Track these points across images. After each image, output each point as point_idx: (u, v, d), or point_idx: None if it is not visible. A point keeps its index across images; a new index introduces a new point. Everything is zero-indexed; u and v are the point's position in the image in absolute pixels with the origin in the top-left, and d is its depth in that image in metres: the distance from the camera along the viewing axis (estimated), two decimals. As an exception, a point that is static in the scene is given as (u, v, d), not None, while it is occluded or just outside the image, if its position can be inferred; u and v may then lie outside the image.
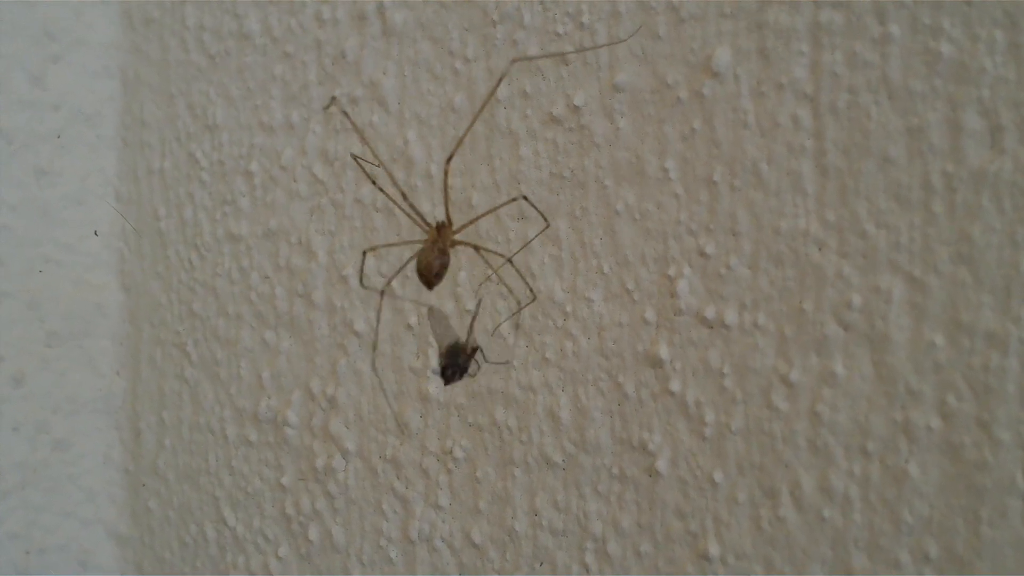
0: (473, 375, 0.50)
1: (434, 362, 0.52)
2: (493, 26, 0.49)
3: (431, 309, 0.52)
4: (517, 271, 0.49)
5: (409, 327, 0.53)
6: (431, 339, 0.52)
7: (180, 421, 0.62)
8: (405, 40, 0.52)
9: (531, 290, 0.49)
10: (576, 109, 0.47)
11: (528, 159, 0.49)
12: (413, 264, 0.49)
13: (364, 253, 0.53)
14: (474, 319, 0.50)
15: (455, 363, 0.50)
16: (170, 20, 0.62)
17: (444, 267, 0.47)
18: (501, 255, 0.49)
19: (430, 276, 0.47)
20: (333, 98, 0.54)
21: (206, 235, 0.61)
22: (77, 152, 0.64)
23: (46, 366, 0.63)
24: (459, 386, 0.51)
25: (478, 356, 0.50)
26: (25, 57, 0.61)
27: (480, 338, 0.50)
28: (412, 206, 0.50)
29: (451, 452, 0.52)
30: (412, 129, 0.52)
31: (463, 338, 0.51)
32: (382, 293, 0.53)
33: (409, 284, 0.53)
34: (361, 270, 0.54)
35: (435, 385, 0.52)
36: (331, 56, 0.55)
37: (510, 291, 0.49)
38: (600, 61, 0.47)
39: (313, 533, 0.57)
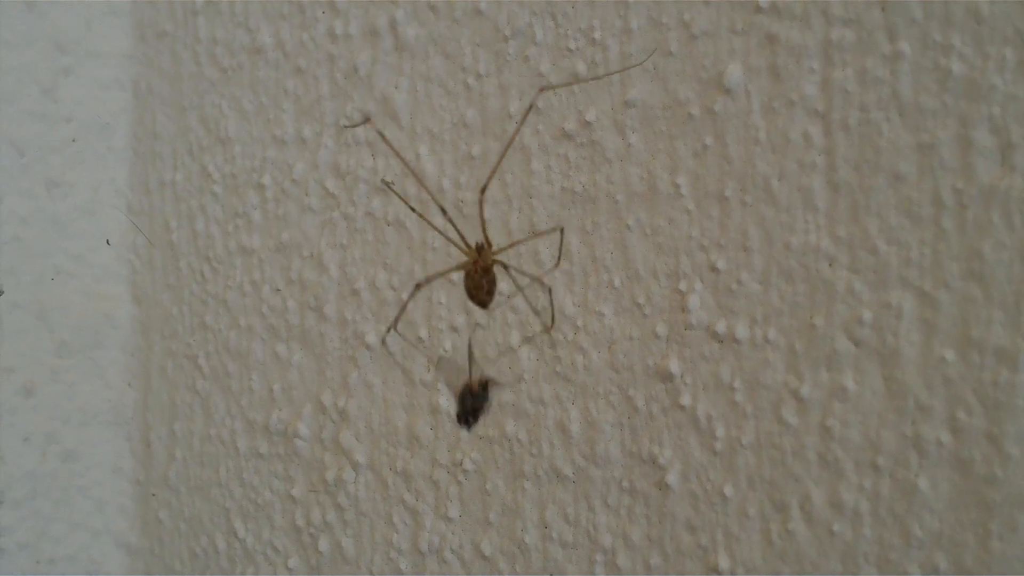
0: (487, 412, 0.50)
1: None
2: (505, 42, 0.50)
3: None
4: (528, 301, 0.49)
5: (420, 340, 0.53)
6: (441, 351, 0.53)
7: (191, 433, 0.63)
8: (417, 55, 0.53)
9: (551, 320, 0.49)
10: (588, 124, 0.48)
11: (540, 174, 0.49)
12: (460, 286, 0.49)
13: (417, 286, 0.52)
14: (471, 358, 0.50)
15: (465, 408, 0.50)
16: (183, 33, 0.62)
17: (493, 284, 0.48)
18: (535, 277, 0.49)
19: (483, 296, 0.48)
20: (367, 119, 0.54)
21: (218, 247, 0.61)
22: (88, 164, 0.64)
23: (56, 377, 0.63)
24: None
25: (489, 392, 0.50)
26: (37, 69, 0.62)
27: (488, 370, 0.50)
28: (456, 229, 0.49)
29: (461, 464, 0.52)
30: (424, 144, 0.53)
31: (469, 378, 0.50)
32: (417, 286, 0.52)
33: (416, 298, 0.53)
34: (404, 306, 0.53)
35: (445, 397, 0.53)
36: (343, 71, 0.55)
37: (537, 310, 0.49)
38: (612, 77, 0.47)
39: (323, 545, 0.57)
